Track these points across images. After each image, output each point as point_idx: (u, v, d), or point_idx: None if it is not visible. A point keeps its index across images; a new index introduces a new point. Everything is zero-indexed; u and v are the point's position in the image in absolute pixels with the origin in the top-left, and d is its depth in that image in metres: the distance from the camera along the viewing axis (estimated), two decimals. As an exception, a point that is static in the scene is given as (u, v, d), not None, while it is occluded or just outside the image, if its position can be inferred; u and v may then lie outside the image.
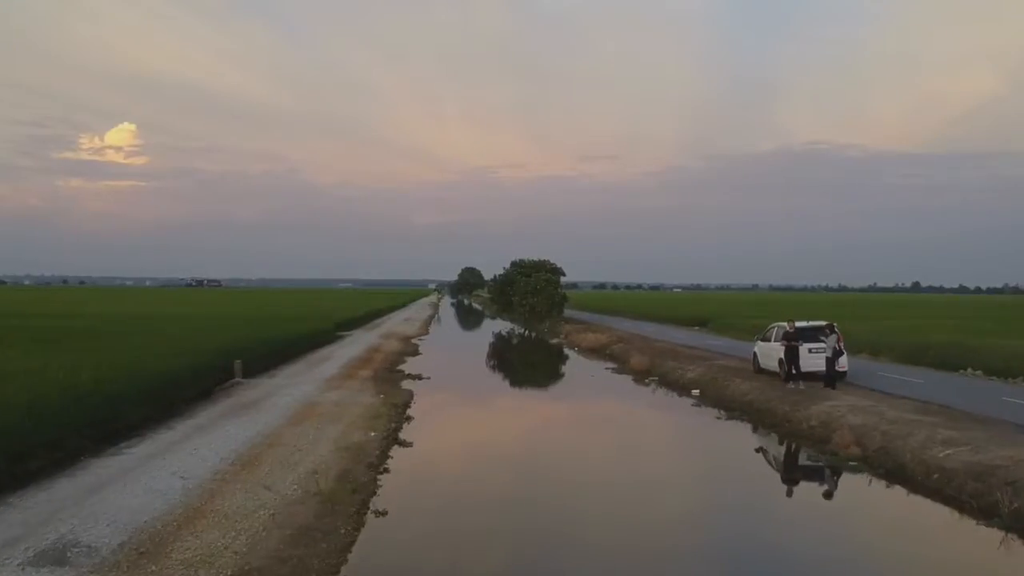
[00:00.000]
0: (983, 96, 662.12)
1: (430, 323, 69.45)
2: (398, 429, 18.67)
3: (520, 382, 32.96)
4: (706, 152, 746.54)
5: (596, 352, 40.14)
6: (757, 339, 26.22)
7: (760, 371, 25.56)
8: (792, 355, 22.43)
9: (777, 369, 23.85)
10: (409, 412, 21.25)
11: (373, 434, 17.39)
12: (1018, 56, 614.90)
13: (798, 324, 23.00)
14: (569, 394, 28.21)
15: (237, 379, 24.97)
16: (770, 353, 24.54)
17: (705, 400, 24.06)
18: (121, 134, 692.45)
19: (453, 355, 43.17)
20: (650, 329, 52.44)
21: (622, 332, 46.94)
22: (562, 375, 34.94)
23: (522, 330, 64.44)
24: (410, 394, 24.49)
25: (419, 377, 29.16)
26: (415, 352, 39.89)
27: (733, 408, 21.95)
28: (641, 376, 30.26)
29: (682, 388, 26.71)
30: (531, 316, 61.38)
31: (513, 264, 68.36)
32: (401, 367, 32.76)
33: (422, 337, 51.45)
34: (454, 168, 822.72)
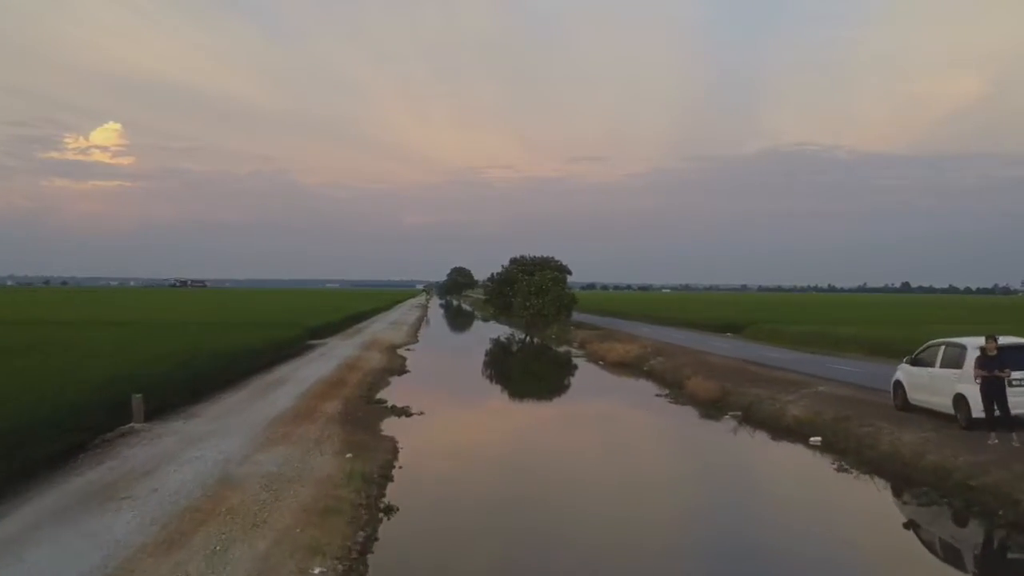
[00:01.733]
0: (969, 98, 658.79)
1: (419, 328, 60.91)
2: (368, 544, 10.19)
3: (549, 421, 24.11)
4: (693, 153, 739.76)
5: (629, 368, 31.81)
6: (905, 361, 17.88)
7: (906, 408, 17.28)
8: (996, 391, 14.14)
9: (948, 409, 15.58)
10: (388, 493, 12.78)
11: (318, 570, 8.93)
12: (1004, 58, 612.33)
13: (1003, 341, 14.68)
14: (629, 446, 19.58)
15: (133, 424, 16.47)
16: (933, 384, 16.24)
17: (842, 456, 15.70)
18: (106, 134, 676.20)
19: (449, 372, 34.68)
20: (678, 336, 44.18)
21: (652, 341, 38.61)
22: (601, 407, 26.29)
23: (523, 336, 56.09)
24: (393, 448, 16.03)
25: (406, 412, 20.69)
26: (402, 369, 31.39)
27: (912, 479, 13.60)
28: (709, 407, 21.96)
29: (785, 431, 18.42)
30: (535, 320, 52.99)
31: (513, 261, 59.98)
32: (383, 394, 24.31)
33: (410, 347, 42.93)
34: (442, 169, 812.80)
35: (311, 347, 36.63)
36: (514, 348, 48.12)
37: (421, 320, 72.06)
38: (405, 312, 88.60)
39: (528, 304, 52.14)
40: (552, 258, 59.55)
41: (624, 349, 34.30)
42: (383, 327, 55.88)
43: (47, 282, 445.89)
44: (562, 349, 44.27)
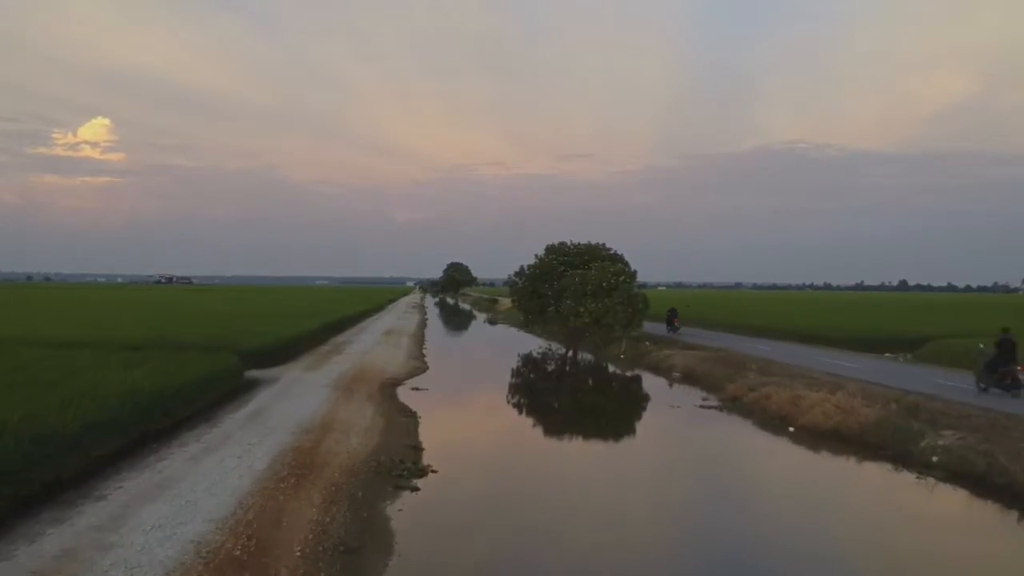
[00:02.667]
0: (958, 96, 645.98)
1: (423, 340, 44.23)
2: None
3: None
4: (684, 151, 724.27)
5: (873, 451, 15.44)
6: None
7: None
8: None
9: None
10: None
11: None
12: (992, 56, 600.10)
13: None
14: None
15: None
16: None
17: None
18: (95, 129, 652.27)
19: (525, 460, 18.00)
20: (842, 364, 28.14)
21: (829, 376, 22.38)
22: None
23: (566, 352, 39.94)
24: None
25: None
26: (416, 463, 14.52)
27: None
28: None
29: None
30: (594, 333, 36.46)
31: (550, 250, 43.40)
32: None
33: (419, 380, 26.33)
34: (434, 166, 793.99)
35: (249, 389, 20.22)
36: (591, 382, 31.83)
37: (423, 327, 55.36)
38: (401, 315, 71.81)
39: (583, 310, 35.63)
40: (603, 245, 43.09)
41: (825, 403, 17.77)
42: (374, 340, 39.28)
43: (30, 278, 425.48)
44: (628, 370, 28.09)
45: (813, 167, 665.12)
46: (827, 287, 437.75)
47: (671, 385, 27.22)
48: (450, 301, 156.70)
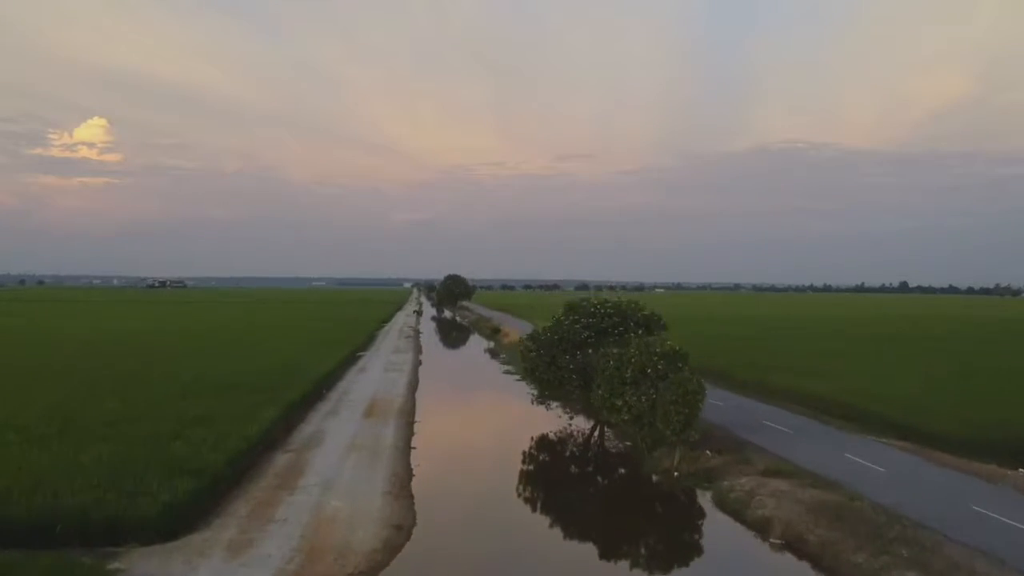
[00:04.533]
0: (956, 96, 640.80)
1: (413, 415, 35.04)
2: None
3: None
4: (682, 151, 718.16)
5: None
6: None
7: None
8: None
9: None
10: None
11: None
12: (991, 56, 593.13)
13: None
14: None
15: None
16: None
17: None
18: (92, 130, 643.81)
19: None
20: (965, 496, 19.55)
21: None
22: None
23: (589, 432, 31.33)
24: None
25: None
26: None
27: None
28: None
29: None
30: (636, 433, 27.55)
31: (571, 310, 34.47)
32: None
33: (402, 555, 17.47)
34: (432, 166, 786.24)
35: None
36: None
37: (414, 386, 46.37)
38: (391, 358, 62.66)
39: (621, 404, 26.77)
40: (636, 304, 34.09)
41: None
42: (348, 437, 30.15)
43: (22, 282, 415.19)
44: (736, 537, 19.40)
45: (812, 166, 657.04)
46: (827, 288, 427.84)
47: (766, 541, 18.50)
48: (447, 314, 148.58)
